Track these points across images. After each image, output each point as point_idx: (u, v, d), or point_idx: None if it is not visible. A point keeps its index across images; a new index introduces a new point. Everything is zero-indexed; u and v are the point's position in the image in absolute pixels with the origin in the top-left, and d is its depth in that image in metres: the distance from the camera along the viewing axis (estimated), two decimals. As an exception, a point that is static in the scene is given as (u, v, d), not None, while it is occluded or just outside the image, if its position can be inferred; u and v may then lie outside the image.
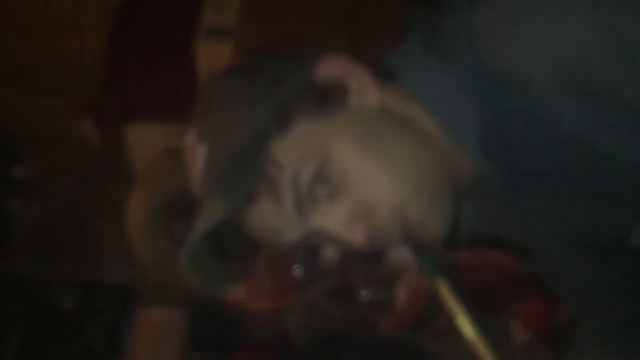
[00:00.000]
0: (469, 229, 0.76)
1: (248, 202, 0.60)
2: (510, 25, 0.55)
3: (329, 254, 0.65)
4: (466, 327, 0.61)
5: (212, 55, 1.46)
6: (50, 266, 1.96)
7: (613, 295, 0.72)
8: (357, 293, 1.54)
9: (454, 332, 0.62)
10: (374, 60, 0.65)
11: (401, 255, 1.29)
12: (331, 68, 0.62)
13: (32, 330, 1.92)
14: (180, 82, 1.45)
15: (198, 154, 0.62)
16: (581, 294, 0.76)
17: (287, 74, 0.62)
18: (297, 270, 0.62)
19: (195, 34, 1.53)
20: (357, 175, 0.60)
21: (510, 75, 0.56)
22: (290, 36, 1.41)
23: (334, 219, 0.61)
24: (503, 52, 0.56)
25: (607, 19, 0.51)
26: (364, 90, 0.62)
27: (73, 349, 1.94)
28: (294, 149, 0.60)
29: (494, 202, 0.69)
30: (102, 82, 1.72)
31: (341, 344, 1.81)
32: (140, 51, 1.69)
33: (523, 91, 0.56)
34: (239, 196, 0.59)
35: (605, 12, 0.51)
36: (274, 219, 0.61)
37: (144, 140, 1.61)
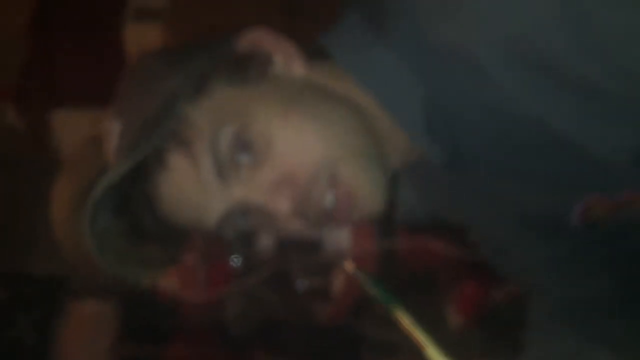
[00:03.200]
0: (407, 213, 0.75)
1: (158, 158, 0.58)
2: None
3: (265, 242, 0.63)
4: (437, 358, 0.59)
5: (140, 38, 1.42)
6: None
7: (558, 274, 0.73)
8: (294, 282, 1.53)
9: (391, 319, 0.61)
10: (311, 43, 0.63)
11: (337, 243, 1.29)
12: (253, 38, 0.61)
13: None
14: (108, 66, 1.40)
15: (113, 132, 0.60)
16: (528, 274, 0.76)
17: (206, 46, 0.61)
18: (235, 260, 0.60)
19: (124, 15, 1.48)
20: (279, 140, 0.58)
21: (455, 51, 0.55)
22: (224, 18, 1.38)
23: (257, 189, 0.58)
24: (447, 28, 0.54)
25: None
26: (290, 63, 0.61)
27: (2, 342, 1.89)
28: (212, 112, 0.58)
29: (435, 183, 0.68)
30: (25, 65, 1.65)
31: (279, 333, 1.81)
32: (65, 32, 1.62)
33: (469, 68, 0.55)
34: (146, 149, 0.57)
35: None
36: (194, 192, 0.59)
37: (71, 127, 1.55)
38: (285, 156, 0.58)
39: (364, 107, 0.61)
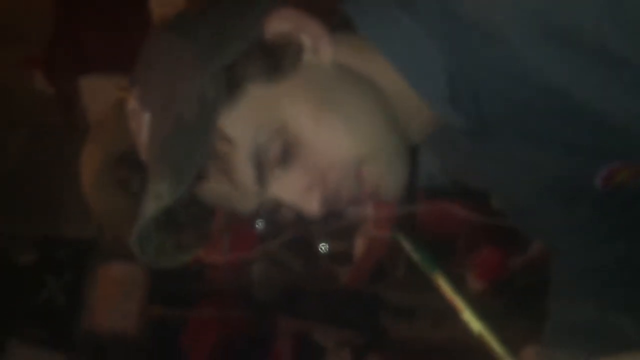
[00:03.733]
0: (426, 180, 0.75)
1: (197, 181, 0.57)
2: None
3: (288, 211, 0.63)
4: (473, 322, 0.59)
5: (165, 2, 1.42)
6: (7, 221, 1.93)
7: (579, 241, 0.73)
8: (316, 246, 1.55)
9: (412, 282, 0.62)
10: (333, 8, 0.63)
11: (358, 207, 1.30)
12: (281, 24, 0.59)
13: (-9, 285, 1.91)
14: (133, 32, 1.41)
15: (142, 121, 0.59)
16: (549, 240, 0.77)
17: (234, 30, 0.59)
18: (259, 224, 0.60)
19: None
20: (311, 139, 0.58)
21: (481, 23, 0.55)
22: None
23: (289, 189, 0.58)
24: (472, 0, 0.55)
25: None
26: (318, 46, 0.59)
27: (33, 303, 1.93)
28: (248, 119, 0.57)
29: (457, 151, 0.68)
30: (53, 32, 1.67)
31: (302, 295, 1.84)
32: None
33: (495, 39, 0.55)
34: (186, 178, 0.55)
35: None
36: (227, 193, 0.59)
37: (99, 92, 1.57)
38: (316, 157, 0.58)
39: (386, 87, 0.61)
